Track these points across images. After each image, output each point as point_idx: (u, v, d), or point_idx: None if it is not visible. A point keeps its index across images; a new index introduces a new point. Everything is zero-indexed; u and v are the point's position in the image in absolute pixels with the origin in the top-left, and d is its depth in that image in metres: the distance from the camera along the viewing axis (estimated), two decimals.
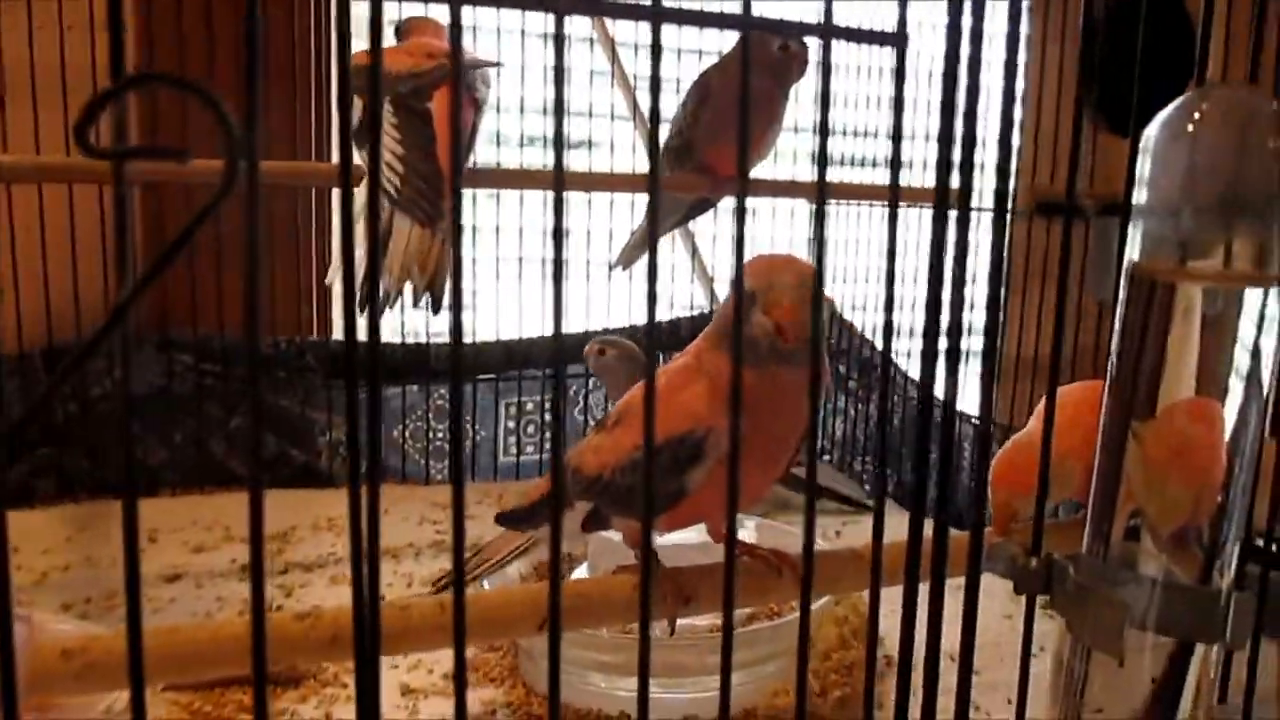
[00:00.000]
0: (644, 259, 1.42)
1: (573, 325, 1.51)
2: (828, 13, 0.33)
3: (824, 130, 0.35)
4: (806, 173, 1.64)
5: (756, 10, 0.34)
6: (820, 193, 0.36)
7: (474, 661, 0.93)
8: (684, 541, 0.75)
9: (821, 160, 0.36)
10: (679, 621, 0.83)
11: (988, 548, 0.45)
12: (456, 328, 0.32)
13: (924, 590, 0.39)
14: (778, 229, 1.66)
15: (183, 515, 1.30)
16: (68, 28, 1.29)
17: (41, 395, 0.64)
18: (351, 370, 0.30)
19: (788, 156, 1.61)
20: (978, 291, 1.51)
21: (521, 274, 1.47)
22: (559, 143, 0.32)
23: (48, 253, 1.29)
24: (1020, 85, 1.34)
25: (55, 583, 1.13)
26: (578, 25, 1.52)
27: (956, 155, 0.35)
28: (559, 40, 0.30)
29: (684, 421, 0.61)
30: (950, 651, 0.40)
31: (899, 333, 1.55)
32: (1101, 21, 1.17)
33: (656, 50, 0.31)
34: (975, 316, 1.55)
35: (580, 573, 0.95)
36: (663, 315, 1.59)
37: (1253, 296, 0.38)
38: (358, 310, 0.32)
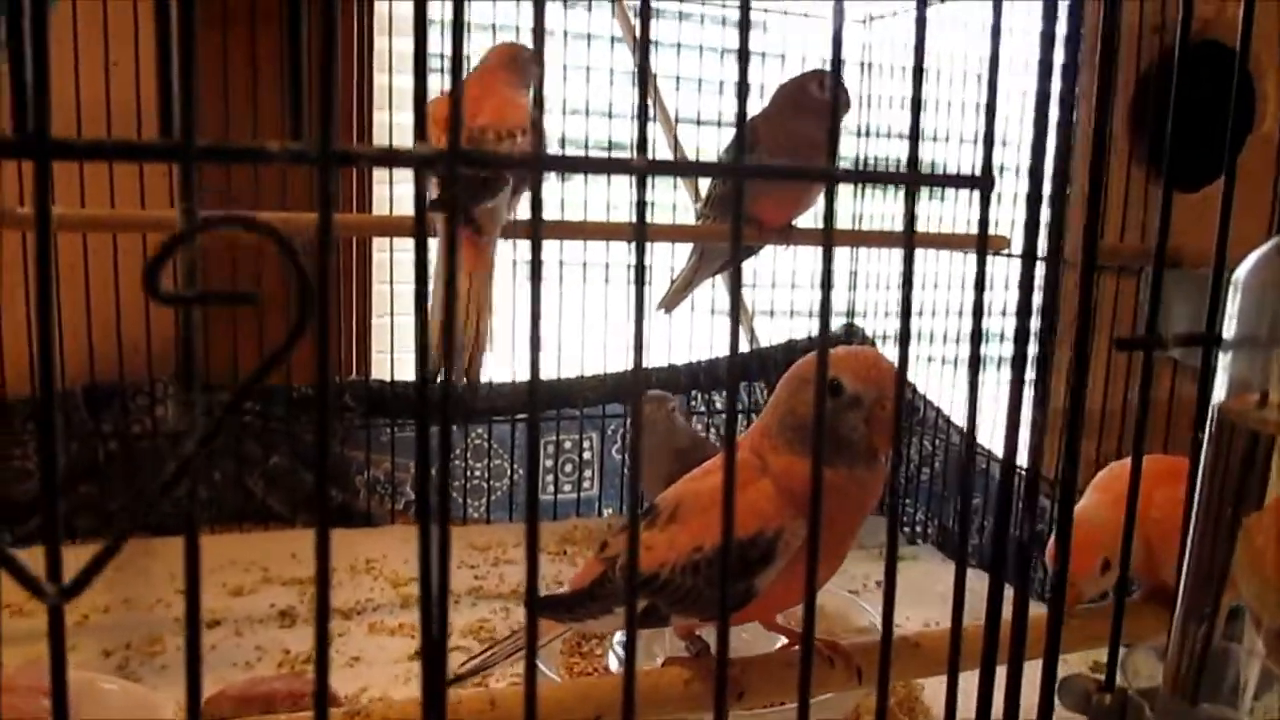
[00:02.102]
0: (695, 295, 1.41)
1: (612, 366, 1.50)
2: (913, 159, 0.32)
3: (909, 262, 0.34)
4: (851, 208, 1.63)
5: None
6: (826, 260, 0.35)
7: None
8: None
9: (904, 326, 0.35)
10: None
11: (1061, 680, 0.43)
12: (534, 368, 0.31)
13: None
14: (816, 263, 1.65)
15: (221, 555, 1.30)
16: (113, 64, 1.30)
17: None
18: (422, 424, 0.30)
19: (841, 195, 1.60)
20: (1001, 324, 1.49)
21: (561, 312, 1.47)
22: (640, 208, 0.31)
23: (90, 290, 1.30)
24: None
25: (96, 625, 1.13)
26: (603, 24, 1.51)
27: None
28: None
29: (752, 522, 0.60)
30: None
31: (941, 367, 1.53)
32: (1155, 72, 1.15)
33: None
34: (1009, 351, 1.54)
35: (621, 636, 0.94)
36: (702, 356, 1.58)
37: None
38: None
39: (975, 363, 0.36)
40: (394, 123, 1.45)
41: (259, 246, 1.34)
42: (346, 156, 0.25)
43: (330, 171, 0.25)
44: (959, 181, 0.32)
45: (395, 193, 1.44)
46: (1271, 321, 0.36)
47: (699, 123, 1.54)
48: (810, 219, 1.31)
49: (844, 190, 1.64)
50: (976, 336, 0.36)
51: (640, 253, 0.30)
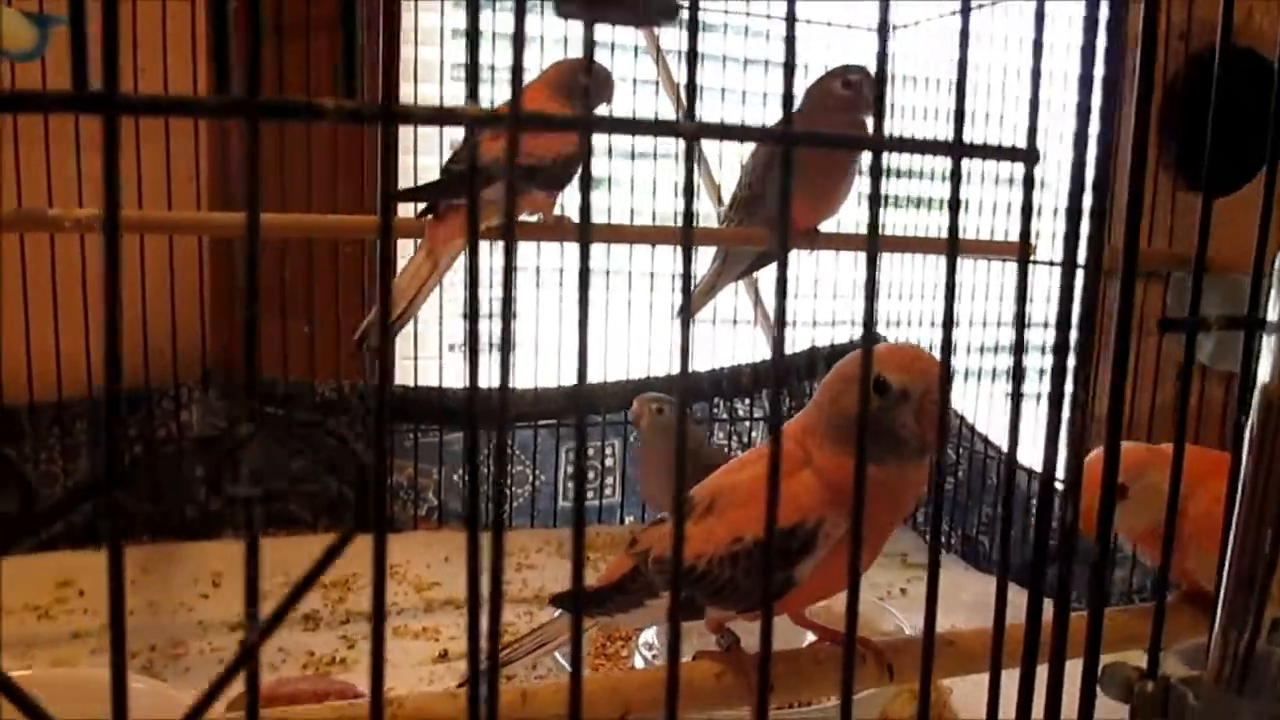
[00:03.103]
0: (709, 306, 1.41)
1: (635, 372, 1.50)
2: (958, 131, 0.32)
3: (953, 238, 0.34)
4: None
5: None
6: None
7: None
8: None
9: (949, 295, 0.34)
10: None
11: (1102, 668, 0.43)
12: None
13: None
14: (841, 270, 1.65)
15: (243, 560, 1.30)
16: (140, 71, 1.31)
17: None
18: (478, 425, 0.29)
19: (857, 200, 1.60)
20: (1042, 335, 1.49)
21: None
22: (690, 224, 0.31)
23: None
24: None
25: None
26: (624, 34, 1.51)
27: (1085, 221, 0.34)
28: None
29: (793, 512, 0.59)
30: None
31: (966, 379, 1.52)
32: (1181, 78, 1.15)
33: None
34: (1045, 361, 1.53)
35: (648, 635, 0.94)
36: (724, 361, 1.58)
37: None
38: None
39: (1018, 371, 0.36)
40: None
41: (284, 243, 1.35)
42: (402, 115, 0.25)
43: (389, 127, 0.25)
44: (1004, 153, 0.32)
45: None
46: None
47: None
48: (833, 225, 1.32)
49: (866, 202, 1.64)
50: (1019, 343, 0.36)
51: (688, 224, 0.30)
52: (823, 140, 0.39)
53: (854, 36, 1.59)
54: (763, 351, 1.62)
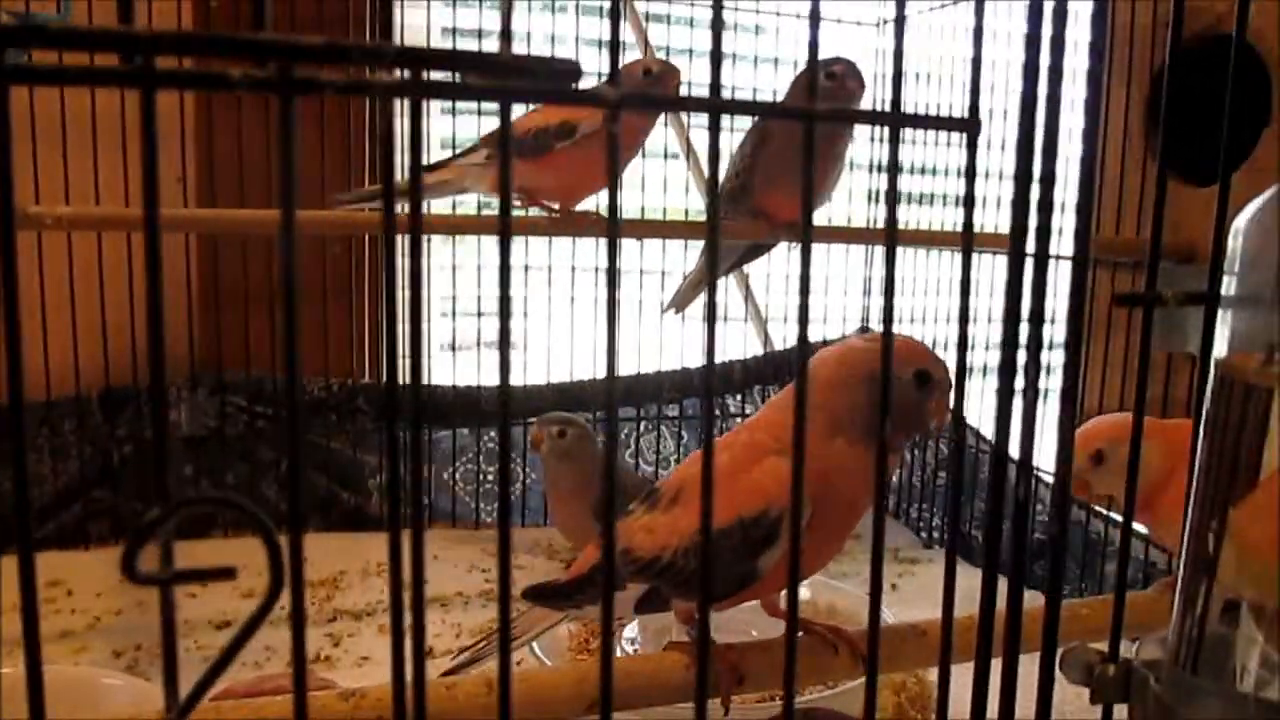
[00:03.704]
0: (698, 301, 1.40)
1: (625, 368, 1.49)
2: (896, 101, 0.31)
3: (892, 205, 0.34)
4: (865, 211, 1.62)
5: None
6: (889, 258, 0.34)
7: None
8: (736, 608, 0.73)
9: (890, 247, 0.34)
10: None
11: (1063, 652, 0.42)
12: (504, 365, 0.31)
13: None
14: (833, 268, 1.64)
15: (233, 558, 1.27)
16: None
17: None
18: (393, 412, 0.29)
19: (856, 196, 1.60)
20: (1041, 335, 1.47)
21: (573, 315, 1.46)
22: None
23: (105, 296, 1.31)
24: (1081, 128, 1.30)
25: (107, 627, 1.13)
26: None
27: (1034, 195, 0.33)
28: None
29: (757, 501, 0.59)
30: None
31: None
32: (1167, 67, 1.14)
33: (715, 153, 0.29)
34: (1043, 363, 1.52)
35: (631, 631, 0.93)
36: (716, 358, 1.57)
37: None
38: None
39: (1009, 366, 0.35)
40: None
41: (270, 237, 1.35)
42: (309, 84, 0.25)
43: (290, 103, 0.25)
44: (945, 123, 0.32)
45: None
46: (1275, 272, 0.35)
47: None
48: (822, 216, 1.31)
49: (858, 195, 1.64)
50: (1010, 338, 0.35)
51: (712, 196, 0.29)
52: (754, 109, 0.38)
53: (843, 31, 1.58)
54: (753, 347, 1.62)
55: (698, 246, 1.31)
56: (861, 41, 1.58)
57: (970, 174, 0.33)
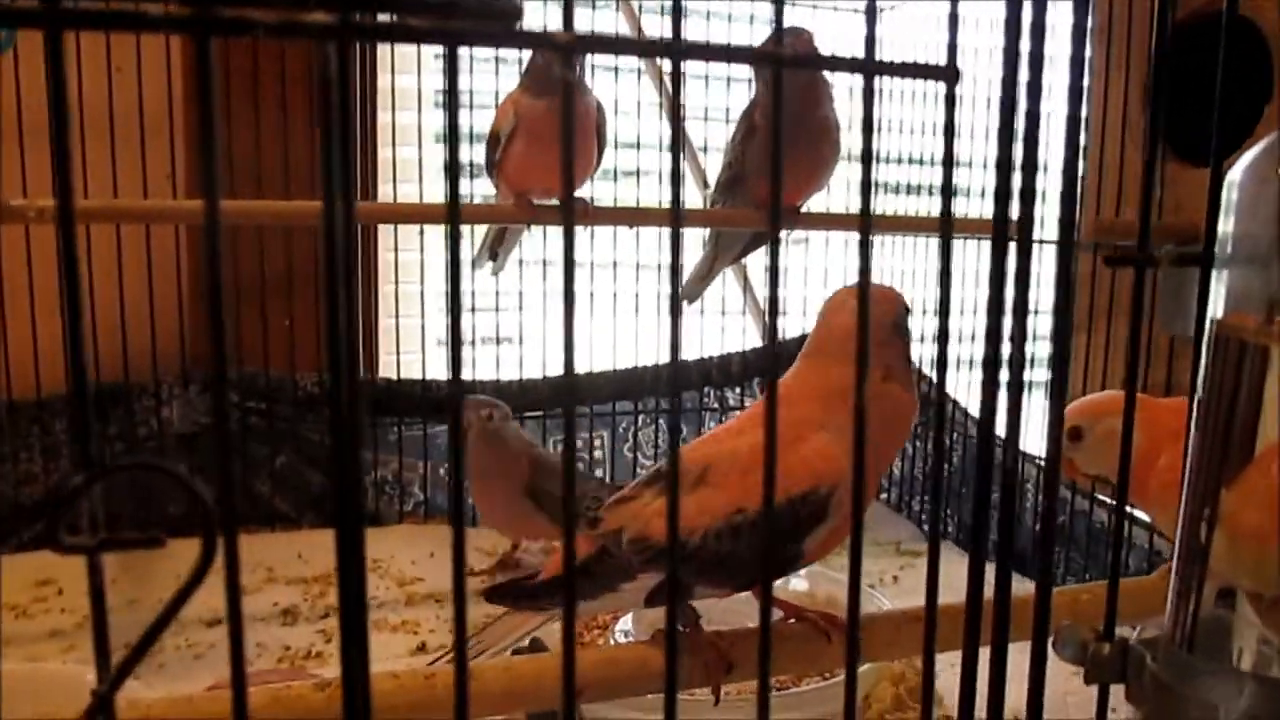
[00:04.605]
0: (705, 293, 1.39)
1: (624, 361, 1.48)
2: (870, 46, 0.30)
3: (867, 159, 0.32)
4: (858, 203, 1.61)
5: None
6: (864, 226, 0.33)
7: None
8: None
9: (865, 194, 0.32)
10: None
11: (1056, 630, 0.40)
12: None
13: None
14: (833, 259, 1.63)
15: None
16: (116, 69, 1.29)
17: None
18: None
19: (846, 186, 1.58)
20: (1035, 325, 1.46)
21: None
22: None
23: (95, 293, 1.29)
24: (1083, 112, 1.28)
25: None
26: (607, 22, 1.50)
27: (1016, 183, 0.32)
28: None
29: (805, 479, 0.56)
30: (1015, 712, 0.37)
31: (958, 366, 1.50)
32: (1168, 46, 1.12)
33: (676, 86, 0.27)
34: (1038, 351, 1.50)
35: (624, 624, 0.91)
36: (713, 350, 1.56)
37: None
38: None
39: (994, 355, 0.34)
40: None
41: (262, 231, 1.34)
42: (230, 24, 0.23)
43: (207, 42, 0.23)
44: (923, 70, 0.30)
45: (400, 192, 1.42)
46: (1269, 227, 0.33)
47: (706, 118, 1.53)
48: (821, 206, 1.29)
49: (853, 187, 1.61)
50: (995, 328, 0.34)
51: (676, 148, 0.28)
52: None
53: (840, 18, 1.57)
54: (753, 339, 1.60)
55: (697, 241, 1.29)
56: (843, 31, 1.57)
57: (950, 129, 0.31)
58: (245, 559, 0.27)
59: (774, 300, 0.33)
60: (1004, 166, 0.32)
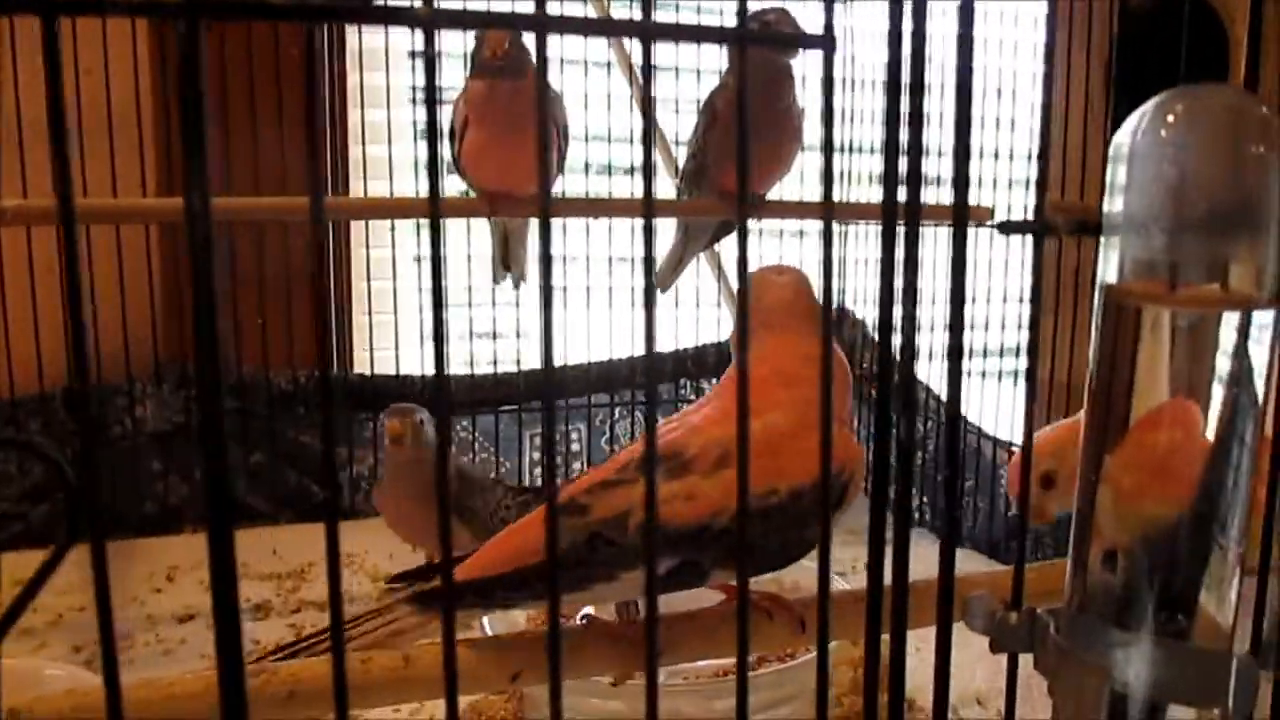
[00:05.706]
0: (678, 284, 1.39)
1: (599, 355, 1.48)
2: (741, 18, 0.30)
3: (829, 146, 0.32)
4: (838, 192, 1.61)
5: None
6: (827, 213, 0.33)
7: (478, 705, 0.91)
8: None
9: (827, 177, 0.33)
10: (684, 666, 0.79)
11: (965, 600, 0.41)
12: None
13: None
14: (807, 250, 1.63)
15: (201, 552, 1.25)
16: (85, 72, 1.30)
17: None
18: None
19: (816, 175, 1.58)
20: (1001, 310, 1.46)
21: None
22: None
23: (67, 292, 1.29)
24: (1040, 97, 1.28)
25: (70, 624, 1.12)
26: (597, 50, 1.50)
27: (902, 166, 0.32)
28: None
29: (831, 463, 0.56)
30: (978, 694, 0.37)
31: (930, 356, 1.50)
32: (1127, 29, 1.13)
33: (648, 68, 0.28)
34: (1008, 337, 1.51)
35: (590, 609, 0.92)
36: (688, 342, 1.56)
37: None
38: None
39: (956, 344, 0.34)
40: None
41: (260, 228, 1.34)
42: (73, 4, 0.24)
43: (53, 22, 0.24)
44: (796, 40, 0.30)
45: (371, 189, 1.43)
46: (1159, 192, 0.33)
47: (677, 110, 1.53)
48: (791, 195, 1.30)
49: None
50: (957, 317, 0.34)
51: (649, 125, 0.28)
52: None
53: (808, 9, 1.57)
54: (727, 330, 1.60)
55: (668, 231, 1.29)
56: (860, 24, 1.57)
57: (828, 86, 0.31)
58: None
59: (744, 291, 0.34)
60: (892, 148, 0.32)
